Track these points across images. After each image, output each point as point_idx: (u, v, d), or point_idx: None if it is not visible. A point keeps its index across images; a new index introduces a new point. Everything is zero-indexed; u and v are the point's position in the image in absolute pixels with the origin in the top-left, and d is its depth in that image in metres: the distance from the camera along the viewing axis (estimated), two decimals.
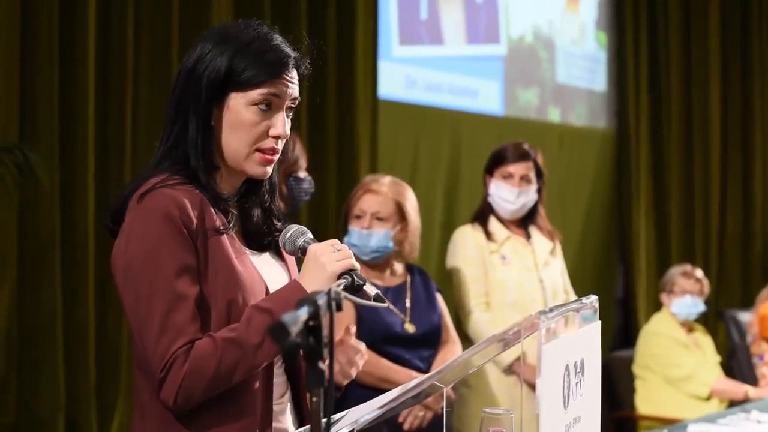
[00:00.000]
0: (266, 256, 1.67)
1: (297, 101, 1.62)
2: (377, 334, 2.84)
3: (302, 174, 2.97)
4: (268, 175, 1.63)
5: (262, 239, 1.66)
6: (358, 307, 2.81)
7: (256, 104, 1.57)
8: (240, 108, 1.57)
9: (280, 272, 1.68)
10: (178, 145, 1.58)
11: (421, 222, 3.08)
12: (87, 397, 3.29)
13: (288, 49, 1.61)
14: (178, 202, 1.52)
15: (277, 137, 1.59)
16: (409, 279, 2.98)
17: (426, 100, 4.71)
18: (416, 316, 2.92)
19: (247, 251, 1.62)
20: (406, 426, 2.78)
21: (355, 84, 4.17)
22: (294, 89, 1.61)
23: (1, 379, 3.12)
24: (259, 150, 1.59)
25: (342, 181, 4.03)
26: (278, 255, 1.70)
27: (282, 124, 1.59)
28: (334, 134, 4.13)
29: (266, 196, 1.68)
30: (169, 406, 1.51)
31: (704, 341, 4.45)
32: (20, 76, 3.17)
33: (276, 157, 1.61)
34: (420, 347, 2.90)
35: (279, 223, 1.69)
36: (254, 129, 1.58)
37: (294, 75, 1.61)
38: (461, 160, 4.78)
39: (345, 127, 4.15)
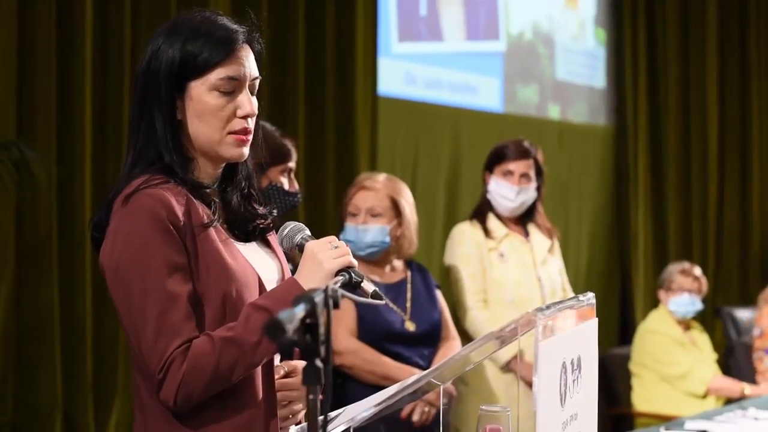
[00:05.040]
0: (253, 245, 1.66)
1: (258, 80, 1.61)
2: (378, 333, 2.84)
3: (290, 186, 2.81)
4: (245, 157, 1.62)
5: (246, 226, 1.65)
6: (359, 306, 2.81)
7: (217, 89, 1.56)
8: (202, 95, 1.56)
9: (268, 260, 1.67)
10: (148, 145, 1.57)
11: (423, 219, 3.08)
12: (84, 394, 3.28)
13: (235, 25, 1.60)
14: (164, 202, 1.51)
15: (245, 117, 1.58)
16: (408, 275, 2.98)
17: (426, 97, 4.71)
18: (416, 313, 2.92)
19: (234, 241, 1.61)
20: (415, 417, 2.77)
21: (355, 81, 4.17)
22: (251, 68, 1.60)
23: None
24: (231, 133, 1.58)
25: (341, 179, 4.02)
26: (265, 243, 1.69)
27: (248, 102, 1.58)
28: (333, 131, 4.13)
29: (243, 183, 1.67)
30: (169, 407, 1.51)
31: (701, 339, 4.45)
32: (17, 72, 3.17)
33: (250, 137, 1.60)
34: (420, 345, 2.90)
35: (260, 208, 1.68)
36: (221, 113, 1.57)
37: (248, 52, 1.60)
38: (461, 156, 4.77)
39: (344, 124, 4.15)
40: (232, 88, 1.57)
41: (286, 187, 2.79)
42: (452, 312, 3.17)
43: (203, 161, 1.61)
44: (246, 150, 1.61)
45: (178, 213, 1.52)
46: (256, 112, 1.60)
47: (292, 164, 2.83)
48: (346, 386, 2.80)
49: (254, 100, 1.60)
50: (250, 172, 1.68)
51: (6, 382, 3.14)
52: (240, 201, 1.66)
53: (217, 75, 1.56)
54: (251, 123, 1.60)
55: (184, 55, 1.55)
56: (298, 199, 2.83)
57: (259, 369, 1.57)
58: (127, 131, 1.62)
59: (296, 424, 1.65)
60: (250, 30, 1.61)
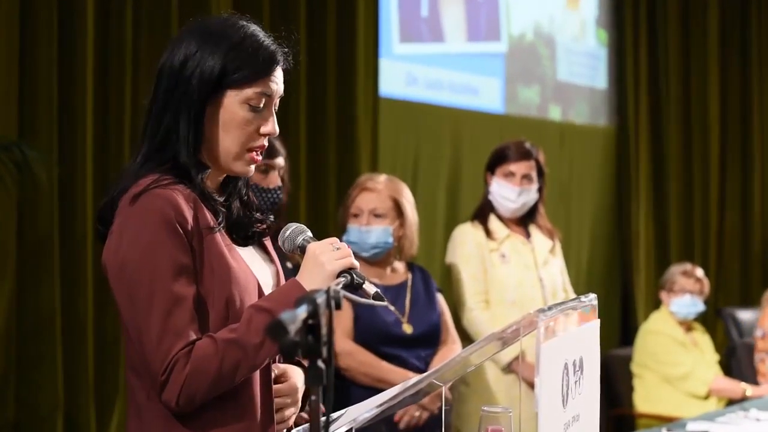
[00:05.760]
0: (250, 249, 1.67)
1: (280, 98, 1.64)
2: (374, 334, 2.84)
3: (267, 183, 2.78)
4: (252, 174, 1.64)
5: (246, 231, 1.66)
6: (356, 307, 2.81)
7: (248, 103, 1.58)
8: (234, 106, 1.58)
9: (264, 265, 1.68)
10: (167, 143, 1.57)
11: (424, 220, 3.08)
12: (86, 395, 3.29)
13: (275, 46, 1.62)
14: (173, 203, 1.52)
15: (267, 135, 1.61)
16: (409, 278, 2.99)
17: (427, 98, 4.71)
18: (415, 316, 2.92)
19: (234, 246, 1.62)
20: (402, 425, 2.78)
21: (356, 82, 4.17)
22: (281, 86, 1.63)
23: (0, 376, 3.12)
24: (250, 149, 1.60)
25: (342, 180, 4.02)
26: (261, 247, 1.70)
27: (272, 122, 1.61)
28: (335, 133, 4.13)
29: (243, 189, 1.69)
30: (171, 408, 1.50)
31: (703, 340, 4.45)
32: (19, 73, 3.17)
33: (261, 157, 1.63)
34: (418, 346, 2.90)
35: (258, 214, 1.69)
36: (247, 128, 1.59)
37: (280, 72, 1.62)
38: (462, 157, 4.77)
39: (345, 125, 4.15)
40: (262, 104, 1.59)
41: (261, 184, 2.76)
42: (453, 313, 3.17)
43: (212, 170, 1.62)
44: (253, 169, 1.63)
45: (186, 214, 1.53)
46: (277, 133, 1.62)
47: (276, 161, 2.80)
48: (341, 388, 2.80)
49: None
50: (247, 180, 1.70)
51: (7, 383, 3.14)
52: (240, 208, 1.67)
53: (252, 90, 1.58)
54: (266, 141, 1.62)
55: (224, 68, 1.56)
56: (278, 195, 2.81)
57: (257, 374, 1.57)
58: (145, 122, 1.60)
59: (287, 430, 1.65)
60: (287, 52, 1.64)
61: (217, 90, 1.57)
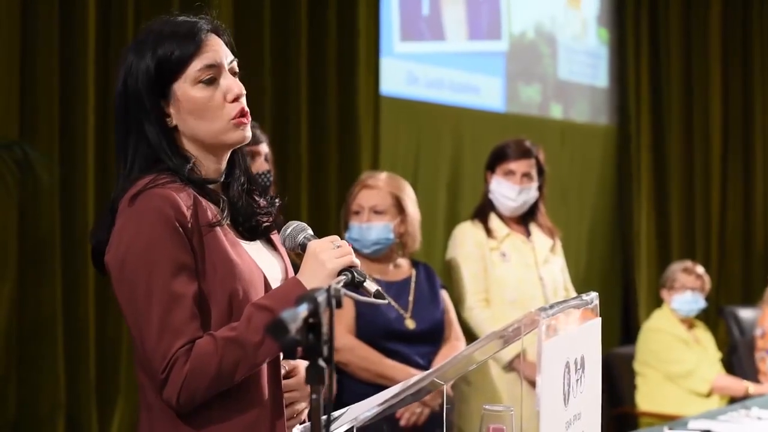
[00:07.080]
0: (258, 244, 1.66)
1: (235, 61, 1.62)
2: (377, 330, 2.85)
3: (259, 168, 2.81)
4: (249, 139, 1.62)
5: (250, 221, 1.65)
6: (358, 303, 2.81)
7: (199, 81, 1.57)
8: (188, 91, 1.57)
9: (272, 260, 1.67)
10: (138, 156, 1.57)
11: (424, 219, 3.08)
12: (87, 395, 3.29)
13: (195, 18, 1.61)
14: (171, 201, 1.51)
15: (236, 98, 1.59)
16: (413, 274, 3.00)
17: (428, 97, 4.70)
18: (419, 312, 2.93)
19: (240, 241, 1.61)
20: (402, 422, 2.79)
21: (357, 80, 4.16)
22: (224, 51, 1.61)
23: (1, 376, 3.12)
24: (230, 119, 1.58)
25: (343, 179, 4.02)
26: (269, 242, 1.70)
27: (234, 84, 1.59)
28: (336, 131, 4.13)
29: (243, 177, 1.67)
30: (172, 406, 1.51)
31: (705, 338, 4.44)
32: (20, 72, 3.17)
33: (249, 118, 1.60)
34: (421, 343, 2.91)
35: (261, 200, 1.68)
36: (211, 104, 1.57)
37: (217, 40, 1.61)
38: (463, 156, 4.77)
39: (346, 123, 4.15)
40: (212, 75, 1.58)
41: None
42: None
43: (206, 157, 1.61)
44: (248, 132, 1.61)
45: (185, 212, 1.52)
46: (245, 92, 1.60)
47: (259, 147, 2.83)
48: (342, 383, 2.81)
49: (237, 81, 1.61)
50: (247, 165, 1.69)
51: (8, 383, 3.14)
52: (241, 195, 1.66)
53: (194, 68, 1.57)
54: (244, 102, 1.60)
55: (158, 60, 1.56)
56: (268, 179, 2.81)
57: (265, 368, 1.57)
58: (115, 152, 1.61)
59: (300, 424, 1.65)
60: (213, 22, 1.62)
61: (165, 86, 1.57)
